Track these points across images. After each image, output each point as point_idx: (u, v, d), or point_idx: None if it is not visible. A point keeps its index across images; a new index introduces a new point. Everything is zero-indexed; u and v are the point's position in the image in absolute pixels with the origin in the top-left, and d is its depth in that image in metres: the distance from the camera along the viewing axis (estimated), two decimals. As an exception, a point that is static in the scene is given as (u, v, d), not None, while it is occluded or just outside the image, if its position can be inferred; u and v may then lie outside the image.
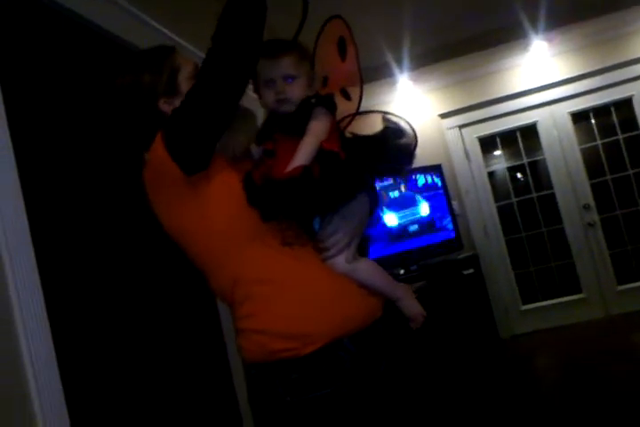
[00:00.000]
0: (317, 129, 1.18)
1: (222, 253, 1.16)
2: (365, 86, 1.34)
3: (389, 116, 1.35)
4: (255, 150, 1.22)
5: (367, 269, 1.25)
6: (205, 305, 2.16)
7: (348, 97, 1.29)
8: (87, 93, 1.79)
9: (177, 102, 1.17)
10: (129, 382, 1.69)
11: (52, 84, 1.69)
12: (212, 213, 1.15)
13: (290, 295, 1.15)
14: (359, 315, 1.19)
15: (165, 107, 1.21)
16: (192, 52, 2.08)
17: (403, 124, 1.33)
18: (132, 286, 1.81)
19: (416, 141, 1.32)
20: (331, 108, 1.23)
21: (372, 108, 1.36)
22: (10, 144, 1.36)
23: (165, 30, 2.12)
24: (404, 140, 1.31)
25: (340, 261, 1.20)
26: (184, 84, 1.21)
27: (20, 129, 1.46)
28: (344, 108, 1.28)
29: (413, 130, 1.33)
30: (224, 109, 1.09)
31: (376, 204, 1.32)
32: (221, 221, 1.15)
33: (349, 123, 1.31)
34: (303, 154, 1.14)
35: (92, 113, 1.76)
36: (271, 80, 1.20)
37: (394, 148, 1.29)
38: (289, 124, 1.20)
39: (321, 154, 1.17)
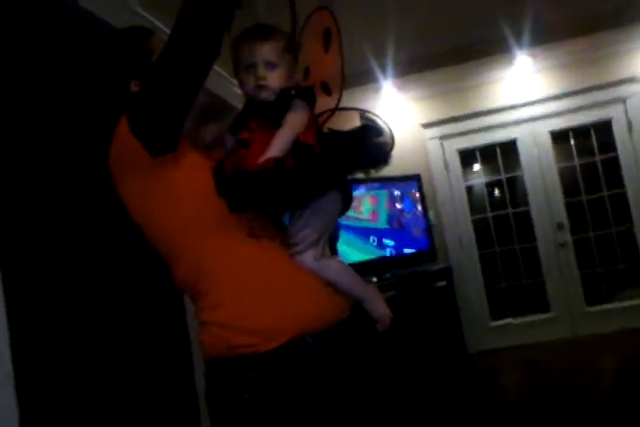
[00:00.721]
0: (295, 121, 1.14)
1: (187, 241, 1.12)
2: (349, 91, 1.32)
3: (368, 115, 1.33)
4: (229, 139, 1.18)
5: (335, 268, 1.22)
6: (171, 298, 2.09)
7: (328, 92, 1.26)
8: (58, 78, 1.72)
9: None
10: (88, 375, 1.62)
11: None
12: (178, 199, 1.12)
13: (253, 289, 1.11)
14: (324, 314, 1.15)
15: (137, 89, 1.17)
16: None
17: (380, 124, 1.31)
18: (94, 276, 1.74)
19: (393, 142, 1.30)
20: (310, 101, 1.19)
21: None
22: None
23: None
24: (380, 139, 1.29)
25: (308, 258, 1.17)
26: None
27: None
28: (323, 102, 1.25)
29: (390, 131, 1.31)
30: (187, 88, 1.05)
31: (349, 201, 1.29)
32: (188, 207, 1.12)
33: (328, 118, 1.27)
34: (278, 145, 1.10)
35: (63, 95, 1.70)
36: (252, 65, 1.15)
37: (370, 145, 1.27)
38: (266, 114, 1.15)
39: (296, 146, 1.13)
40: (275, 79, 1.15)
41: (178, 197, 1.12)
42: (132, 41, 1.21)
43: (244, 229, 1.13)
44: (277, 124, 1.13)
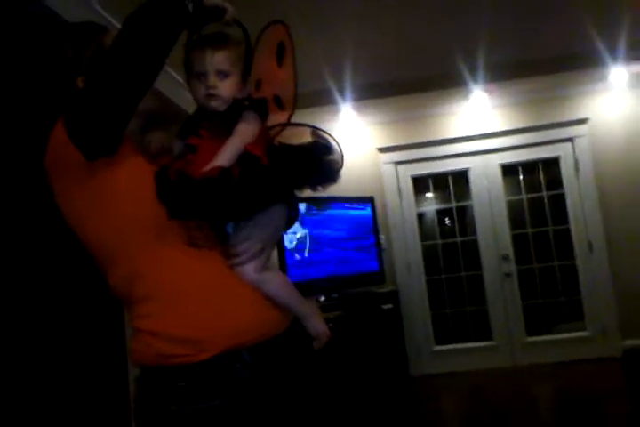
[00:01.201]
0: (245, 131, 1.15)
1: (123, 247, 1.10)
2: (308, 110, 1.34)
3: (319, 132, 1.34)
4: (177, 145, 1.18)
5: (276, 282, 1.21)
6: (109, 303, 2.05)
7: (280, 106, 1.27)
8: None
9: None
10: (21, 378, 1.57)
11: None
12: (117, 202, 1.09)
13: (189, 299, 1.09)
14: (261, 327, 1.14)
15: (81, 84, 1.14)
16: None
17: (331, 142, 1.32)
18: (32, 279, 1.70)
19: (342, 161, 1.31)
20: (262, 113, 1.20)
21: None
22: None
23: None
24: (330, 157, 1.31)
25: (249, 270, 1.16)
26: None
27: None
28: (275, 116, 1.26)
29: (341, 150, 1.32)
30: (133, 88, 1.02)
31: (295, 216, 1.30)
32: (125, 212, 1.09)
33: (279, 132, 1.29)
34: (226, 154, 1.10)
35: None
36: (203, 73, 1.15)
37: (320, 162, 1.28)
38: (216, 123, 1.16)
39: (244, 157, 1.13)
40: (226, 88, 1.15)
41: (117, 200, 1.09)
42: (86, 35, 1.19)
43: (184, 238, 1.11)
44: (227, 133, 1.14)
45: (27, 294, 1.68)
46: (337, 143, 1.32)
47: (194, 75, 1.17)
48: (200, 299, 1.09)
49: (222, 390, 1.05)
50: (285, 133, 1.29)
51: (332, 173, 1.28)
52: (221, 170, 1.07)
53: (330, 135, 1.33)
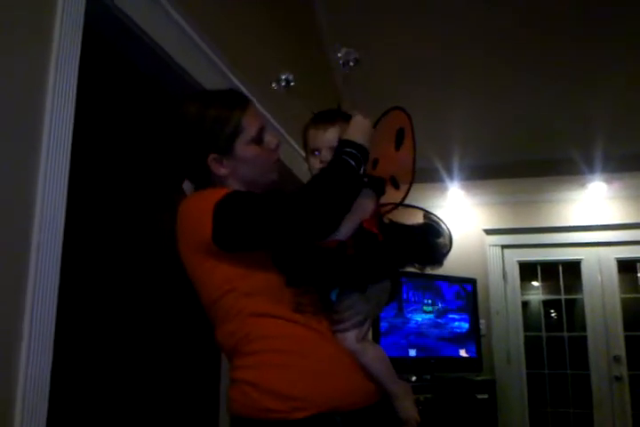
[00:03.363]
0: (362, 207, 1.22)
1: (238, 310, 1.17)
2: (417, 186, 1.40)
3: (431, 216, 1.40)
4: None
5: (374, 354, 1.24)
6: (208, 351, 2.13)
7: (396, 186, 1.35)
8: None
9: (225, 163, 1.20)
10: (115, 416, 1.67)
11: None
12: (239, 275, 1.16)
13: (291, 358, 1.14)
14: (356, 394, 1.16)
15: (212, 163, 1.20)
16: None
17: (443, 226, 1.38)
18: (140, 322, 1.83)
19: (451, 245, 1.36)
20: (379, 191, 1.28)
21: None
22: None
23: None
24: (440, 240, 1.35)
25: (351, 337, 1.20)
26: (240, 146, 1.21)
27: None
28: (390, 195, 1.33)
29: (450, 234, 1.37)
30: (294, 233, 1.11)
31: (396, 292, 1.34)
32: (246, 284, 1.17)
33: (391, 210, 1.36)
34: (344, 228, 1.18)
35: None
36: (318, 149, 1.26)
37: (430, 243, 1.33)
38: None
39: (360, 232, 1.21)
40: None
41: (239, 274, 1.16)
42: (229, 108, 1.21)
43: (292, 304, 1.17)
44: None
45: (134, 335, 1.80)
46: (447, 227, 1.37)
47: (310, 151, 1.29)
48: (301, 359, 1.14)
49: None
50: (397, 213, 1.36)
51: (440, 256, 1.33)
52: (339, 243, 1.15)
53: (441, 220, 1.39)
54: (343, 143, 1.20)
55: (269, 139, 1.27)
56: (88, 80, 1.47)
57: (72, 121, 1.36)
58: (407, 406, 1.25)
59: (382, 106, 1.37)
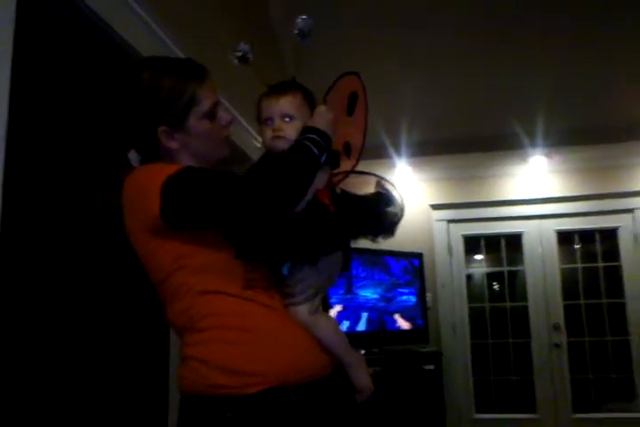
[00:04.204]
0: (316, 181, 1.18)
1: (187, 288, 1.14)
2: (365, 162, 1.38)
3: (383, 182, 1.38)
4: None
5: (327, 326, 1.23)
6: (156, 328, 2.08)
7: (348, 153, 1.32)
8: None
9: (176, 136, 1.15)
10: (54, 396, 1.60)
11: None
12: (188, 252, 1.13)
13: (241, 334, 1.12)
14: (309, 366, 1.15)
15: (162, 135, 1.16)
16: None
17: (394, 194, 1.36)
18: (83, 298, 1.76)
19: (402, 213, 1.34)
20: (333, 165, 1.25)
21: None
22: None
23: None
24: (392, 209, 1.34)
25: (303, 311, 1.19)
26: (192, 120, 1.16)
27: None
28: (342, 164, 1.31)
29: (402, 202, 1.35)
30: (245, 216, 1.08)
31: (349, 263, 1.32)
32: (195, 261, 1.14)
33: (343, 179, 1.33)
34: None
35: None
36: (270, 118, 1.23)
37: (380, 212, 1.31)
38: None
39: (312, 204, 1.18)
40: (291, 130, 1.21)
41: (188, 250, 1.13)
42: (185, 78, 1.16)
43: (243, 280, 1.14)
44: None
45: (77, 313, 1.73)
46: (399, 194, 1.36)
47: (263, 121, 1.25)
48: (251, 334, 1.12)
49: (267, 424, 1.06)
50: (349, 180, 1.34)
51: (391, 225, 1.31)
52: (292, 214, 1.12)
53: (393, 186, 1.37)
54: (307, 130, 1.17)
55: (222, 114, 1.23)
56: (22, 45, 1.37)
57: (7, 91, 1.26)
58: (361, 374, 1.26)
59: (330, 78, 1.33)
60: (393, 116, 4.05)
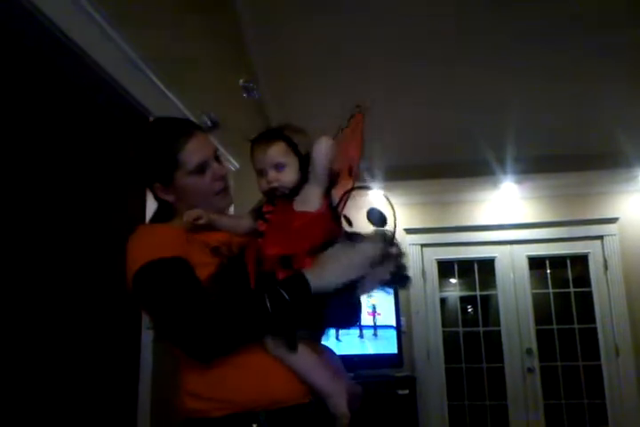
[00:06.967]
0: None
1: None
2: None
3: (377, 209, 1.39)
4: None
5: (300, 359, 1.20)
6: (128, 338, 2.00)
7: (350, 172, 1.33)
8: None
9: (170, 191, 1.27)
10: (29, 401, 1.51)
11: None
12: None
13: (218, 367, 1.16)
14: (281, 393, 1.17)
15: (158, 191, 1.30)
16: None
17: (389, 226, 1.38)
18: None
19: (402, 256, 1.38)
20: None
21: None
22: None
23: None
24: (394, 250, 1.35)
25: (270, 346, 1.18)
26: (179, 179, 1.26)
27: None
28: (345, 185, 1.33)
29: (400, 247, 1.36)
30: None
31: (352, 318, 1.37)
32: None
33: (344, 198, 1.33)
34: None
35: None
36: (263, 170, 1.23)
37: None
38: (283, 202, 1.23)
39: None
40: (286, 177, 1.22)
41: None
42: (169, 144, 1.25)
43: None
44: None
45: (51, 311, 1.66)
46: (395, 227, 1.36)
47: (257, 172, 1.26)
48: (222, 366, 1.15)
49: None
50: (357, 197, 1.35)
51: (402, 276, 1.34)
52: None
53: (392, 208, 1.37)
54: (295, 277, 1.15)
55: (214, 168, 1.29)
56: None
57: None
58: (337, 403, 1.22)
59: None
60: (366, 141, 4.05)
